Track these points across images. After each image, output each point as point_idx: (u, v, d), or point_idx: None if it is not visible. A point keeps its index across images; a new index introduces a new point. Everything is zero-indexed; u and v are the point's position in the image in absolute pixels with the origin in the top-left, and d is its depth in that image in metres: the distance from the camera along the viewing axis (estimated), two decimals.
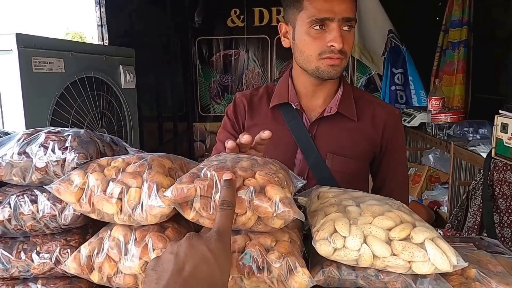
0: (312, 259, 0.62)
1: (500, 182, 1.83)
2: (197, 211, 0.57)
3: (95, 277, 0.60)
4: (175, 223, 0.64)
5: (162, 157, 0.65)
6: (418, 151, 3.29)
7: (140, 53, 2.54)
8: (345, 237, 0.56)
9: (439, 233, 0.88)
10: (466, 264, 0.55)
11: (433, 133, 2.66)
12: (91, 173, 0.60)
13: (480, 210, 1.96)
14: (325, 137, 1.16)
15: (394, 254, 0.56)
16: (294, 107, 1.17)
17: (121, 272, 0.59)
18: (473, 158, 2.10)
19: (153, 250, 0.59)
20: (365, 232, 0.56)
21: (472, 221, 2.04)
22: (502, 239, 1.79)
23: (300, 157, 1.17)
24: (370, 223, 0.58)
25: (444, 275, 0.61)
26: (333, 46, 1.02)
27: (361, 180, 1.22)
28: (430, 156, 3.05)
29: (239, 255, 0.56)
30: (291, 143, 1.16)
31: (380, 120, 1.17)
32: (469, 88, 3.32)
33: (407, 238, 0.57)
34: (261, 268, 0.55)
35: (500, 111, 1.82)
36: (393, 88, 3.70)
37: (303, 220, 0.57)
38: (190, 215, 0.58)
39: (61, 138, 0.64)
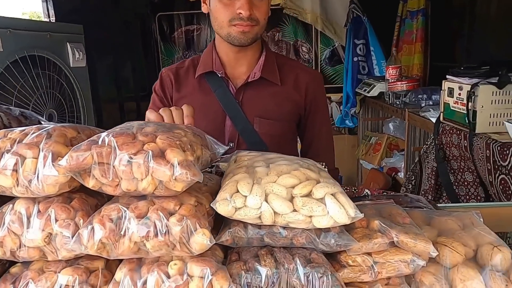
0: (225, 222, 0.63)
1: (448, 145, 1.89)
2: (96, 178, 0.56)
3: None
4: (84, 193, 0.63)
5: (66, 127, 0.63)
6: (380, 120, 3.35)
7: (94, 31, 2.44)
8: (245, 196, 0.56)
9: (366, 192, 0.90)
10: (361, 215, 0.57)
11: (390, 102, 2.70)
12: None
13: (434, 172, 2.03)
14: (251, 102, 1.20)
15: (295, 210, 0.56)
16: (219, 75, 1.20)
17: (25, 246, 0.58)
18: (425, 123, 2.15)
19: (56, 221, 0.58)
20: (267, 191, 0.57)
21: (428, 184, 2.11)
22: (458, 197, 1.87)
23: (229, 124, 1.20)
24: (274, 182, 0.58)
25: (350, 228, 0.63)
26: (241, 13, 1.06)
27: (288, 142, 1.28)
28: (390, 124, 3.12)
29: (139, 220, 0.56)
30: (219, 111, 1.20)
31: (303, 83, 1.23)
32: (428, 56, 3.38)
33: (309, 195, 0.58)
34: (162, 231, 0.55)
35: (447, 76, 1.87)
36: (355, 59, 3.72)
37: (201, 181, 0.56)
38: (90, 183, 0.57)
39: None
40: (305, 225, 0.57)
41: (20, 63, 1.85)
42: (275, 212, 0.56)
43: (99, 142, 0.56)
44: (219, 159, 0.78)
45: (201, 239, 0.54)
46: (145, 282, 0.57)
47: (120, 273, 0.59)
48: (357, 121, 3.58)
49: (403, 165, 2.64)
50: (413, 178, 2.26)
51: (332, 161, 1.36)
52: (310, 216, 0.57)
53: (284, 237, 0.59)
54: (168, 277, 0.56)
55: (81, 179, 0.56)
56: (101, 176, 0.55)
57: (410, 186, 2.30)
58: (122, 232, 0.56)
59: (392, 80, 2.71)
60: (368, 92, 3.04)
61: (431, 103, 2.35)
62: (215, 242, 0.56)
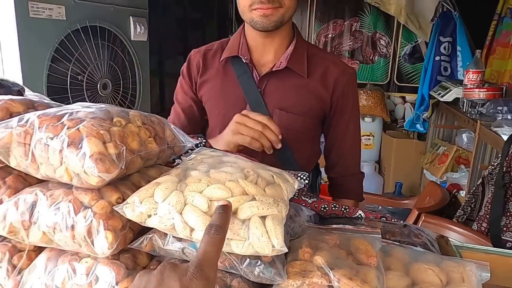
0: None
1: None
2: (17, 159, 0.53)
3: None
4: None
5: (16, 100, 0.61)
6: (454, 129, 2.99)
7: (166, 7, 2.48)
8: (157, 203, 0.49)
9: (360, 214, 0.78)
10: (285, 249, 0.46)
11: (464, 110, 2.38)
12: None
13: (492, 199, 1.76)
14: (273, 93, 1.13)
15: None
16: (244, 61, 1.14)
17: None
18: (496, 140, 1.85)
19: None
20: (187, 200, 0.49)
21: (484, 210, 1.84)
22: (508, 230, 1.60)
23: None
24: (201, 192, 0.50)
25: (292, 258, 0.53)
26: None
27: (310, 139, 1.20)
28: (464, 135, 2.77)
29: (50, 209, 0.52)
30: (240, 98, 1.14)
31: (331, 78, 1.13)
32: None
33: (235, 213, 0.49)
34: (68, 225, 0.51)
35: None
36: (437, 58, 3.35)
37: (107, 180, 0.51)
38: (12, 162, 0.54)
39: None
40: (225, 248, 0.49)
41: (81, 33, 1.95)
42: (189, 226, 0.48)
43: (24, 121, 0.53)
44: (188, 151, 0.72)
45: (103, 243, 0.49)
46: (54, 274, 0.54)
47: (40, 259, 0.57)
48: (428, 127, 3.25)
49: (467, 183, 2.33)
50: (473, 201, 1.98)
51: (357, 164, 1.26)
52: (229, 239, 0.48)
53: None
54: (75, 273, 0.52)
55: (5, 158, 0.54)
56: (20, 157, 0.53)
57: (469, 210, 2.02)
58: (34, 219, 0.53)
59: (470, 86, 2.38)
60: (442, 96, 2.72)
61: (509, 117, 2.01)
62: (114, 249, 0.50)
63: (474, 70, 2.41)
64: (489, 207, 1.78)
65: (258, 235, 0.46)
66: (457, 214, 2.08)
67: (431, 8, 3.40)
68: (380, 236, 0.65)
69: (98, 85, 2.09)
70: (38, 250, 0.60)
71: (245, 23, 1.14)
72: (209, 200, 0.49)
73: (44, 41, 1.79)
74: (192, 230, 0.49)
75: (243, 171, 0.56)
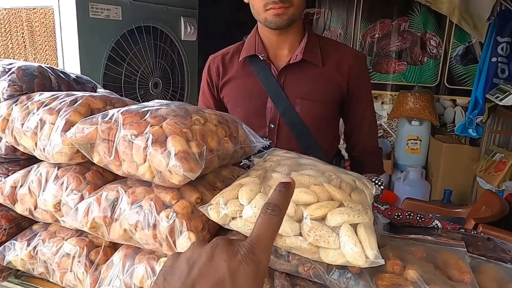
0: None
1: None
2: (100, 155, 0.53)
3: (18, 208, 0.61)
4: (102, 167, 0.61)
5: (96, 97, 0.62)
6: (511, 135, 2.81)
7: (211, 7, 2.51)
8: (243, 205, 0.47)
9: (436, 224, 0.73)
10: (382, 261, 0.43)
11: None
12: (15, 105, 0.60)
13: None
14: (293, 84, 1.20)
15: (300, 234, 0.46)
16: (262, 58, 1.20)
17: (39, 208, 0.59)
18: None
19: (66, 188, 0.57)
20: None
21: None
22: None
23: (270, 106, 1.22)
24: None
25: (378, 270, 0.49)
26: None
27: (330, 124, 1.27)
28: None
29: (132, 207, 0.51)
30: (262, 93, 1.21)
31: (345, 64, 1.20)
32: None
33: (323, 219, 0.46)
34: (150, 224, 0.50)
35: None
36: (494, 59, 3.17)
37: (192, 179, 0.49)
38: (95, 158, 0.54)
39: (6, 68, 0.65)
40: (310, 255, 0.46)
41: (135, 33, 1.99)
42: None
43: (108, 118, 0.53)
44: (256, 152, 0.70)
45: (185, 243, 0.48)
46: (133, 273, 0.53)
47: (117, 256, 0.57)
48: (482, 132, 3.08)
49: None
50: None
51: (376, 140, 1.37)
52: (317, 246, 0.45)
53: (288, 262, 0.49)
54: (154, 273, 0.52)
55: (89, 153, 0.54)
56: (104, 153, 0.53)
57: None
58: (116, 216, 0.52)
59: None
60: (501, 100, 2.57)
61: None
62: None
63: None
64: None
65: (351, 244, 0.43)
66: None
67: (487, 7, 3.22)
68: (466, 249, 0.60)
69: (150, 84, 2.13)
70: (113, 246, 0.61)
71: (259, 23, 1.21)
72: (296, 204, 0.47)
73: (102, 40, 1.84)
74: (278, 235, 0.46)
75: (325, 174, 0.53)
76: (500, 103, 2.57)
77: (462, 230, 0.73)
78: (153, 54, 2.13)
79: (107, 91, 0.80)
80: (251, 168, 0.59)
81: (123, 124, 0.52)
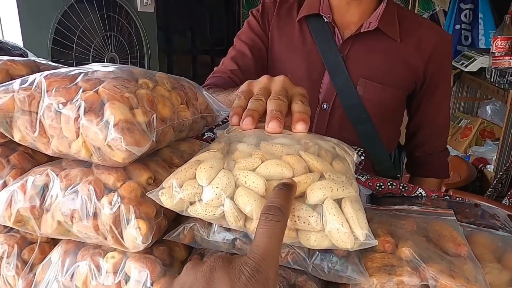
0: None
1: None
2: (22, 131, 0.42)
3: None
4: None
5: (17, 62, 0.50)
6: (476, 101, 2.85)
7: None
8: (202, 186, 0.38)
9: (420, 192, 0.67)
10: (375, 242, 0.36)
11: (492, 80, 2.24)
12: None
13: None
14: (359, 58, 0.98)
15: None
16: (326, 20, 0.99)
17: None
18: None
19: None
20: (238, 182, 0.38)
21: None
22: None
23: (327, 81, 1.00)
24: (254, 169, 0.39)
25: (366, 250, 0.42)
26: None
27: (394, 116, 1.06)
28: (488, 107, 2.63)
29: (65, 193, 0.41)
30: (318, 64, 0.99)
31: (428, 45, 0.98)
32: None
33: (301, 196, 0.38)
34: (89, 213, 0.40)
35: None
36: (457, 26, 3.18)
37: (138, 154, 0.40)
38: (15, 136, 0.43)
39: None
40: (288, 240, 0.38)
41: (85, 3, 1.82)
42: (244, 215, 0.38)
43: (28, 84, 0.42)
44: (220, 124, 0.61)
45: (134, 234, 0.39)
46: (74, 272, 0.44)
47: (56, 253, 0.47)
48: None
49: (494, 157, 2.21)
50: (504, 177, 1.87)
51: (446, 142, 1.16)
52: (295, 229, 0.37)
53: None
54: (100, 271, 0.42)
55: (7, 130, 0.43)
56: (26, 128, 0.42)
57: (499, 186, 1.92)
58: (46, 206, 0.42)
59: (499, 54, 2.23)
60: (466, 66, 2.57)
61: None
62: (149, 242, 0.40)
63: (503, 36, 2.25)
64: None
65: (337, 224, 0.36)
66: (487, 192, 1.98)
67: None
68: (455, 218, 0.54)
69: (105, 59, 1.97)
70: (53, 241, 0.51)
71: None
72: (267, 180, 0.39)
73: (46, 11, 1.66)
74: (247, 219, 0.38)
75: (301, 142, 0.45)
76: (466, 69, 2.57)
77: (447, 197, 0.68)
78: (107, 27, 1.96)
79: (43, 59, 0.67)
80: (214, 142, 0.50)
81: (47, 91, 0.41)
